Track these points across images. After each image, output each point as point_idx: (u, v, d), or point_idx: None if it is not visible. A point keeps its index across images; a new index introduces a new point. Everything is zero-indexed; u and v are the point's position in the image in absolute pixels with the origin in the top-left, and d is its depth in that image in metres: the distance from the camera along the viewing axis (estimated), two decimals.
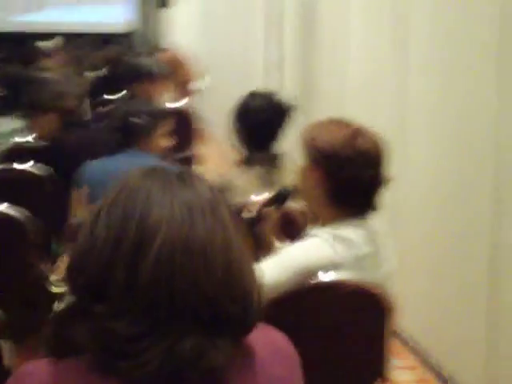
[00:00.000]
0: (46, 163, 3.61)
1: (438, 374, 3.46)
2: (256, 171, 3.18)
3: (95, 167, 3.37)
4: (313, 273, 2.11)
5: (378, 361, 2.23)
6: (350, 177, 2.18)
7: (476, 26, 3.21)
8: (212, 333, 1.09)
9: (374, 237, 2.23)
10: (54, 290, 3.18)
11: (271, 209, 2.49)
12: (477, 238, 3.12)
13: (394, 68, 4.14)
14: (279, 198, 2.48)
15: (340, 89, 4.96)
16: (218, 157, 6.34)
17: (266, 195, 2.50)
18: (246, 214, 2.46)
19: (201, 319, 1.09)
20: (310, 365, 1.52)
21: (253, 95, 3.26)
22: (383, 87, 4.24)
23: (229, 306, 1.10)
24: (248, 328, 1.16)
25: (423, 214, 3.61)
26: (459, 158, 3.30)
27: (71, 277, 1.14)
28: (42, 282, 2.84)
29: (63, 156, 3.71)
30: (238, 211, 2.50)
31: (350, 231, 2.18)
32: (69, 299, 1.70)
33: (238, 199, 3.12)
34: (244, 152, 3.22)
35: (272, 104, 3.19)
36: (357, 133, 2.22)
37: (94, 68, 6.90)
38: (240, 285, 1.12)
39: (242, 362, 1.17)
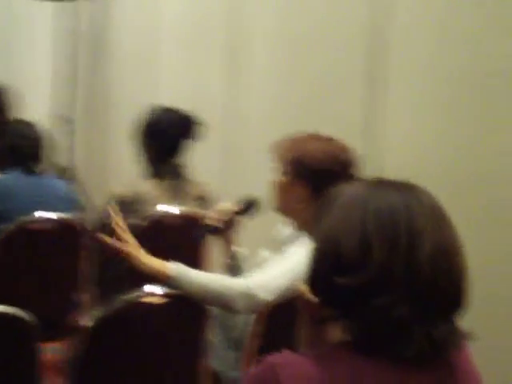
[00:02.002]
0: None
1: None
2: (165, 183, 3.28)
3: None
4: None
5: None
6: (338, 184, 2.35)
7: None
8: (450, 318, 1.31)
9: None
10: None
11: (239, 218, 2.57)
12: None
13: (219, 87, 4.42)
14: (248, 208, 2.57)
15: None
16: None
17: (229, 204, 2.57)
18: (211, 222, 2.53)
19: (447, 306, 1.30)
20: None
21: (159, 111, 3.35)
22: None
23: (463, 293, 1.32)
24: None
25: None
26: None
27: (346, 275, 1.27)
28: None
29: None
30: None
31: None
32: None
33: (150, 210, 3.21)
34: (151, 165, 3.31)
35: (180, 118, 3.30)
36: (337, 146, 2.42)
37: None
38: (467, 274, 1.34)
39: None
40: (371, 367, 1.26)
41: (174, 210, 3.20)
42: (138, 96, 5.31)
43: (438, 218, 1.32)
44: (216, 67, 4.55)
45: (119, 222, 2.25)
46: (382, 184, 1.36)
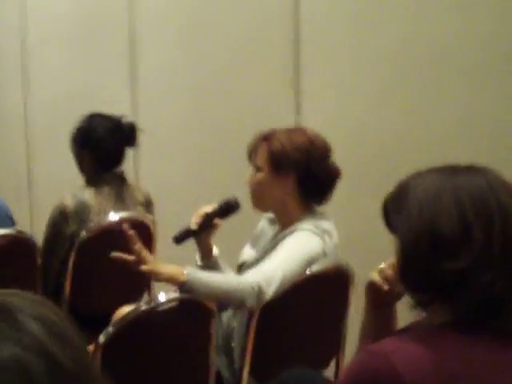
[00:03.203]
0: None
1: None
2: (107, 190, 3.23)
3: None
4: (312, 262, 2.37)
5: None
6: (320, 173, 2.45)
7: None
8: None
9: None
10: None
11: (213, 219, 2.57)
12: None
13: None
14: (227, 209, 2.56)
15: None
16: None
17: (212, 206, 2.56)
18: (192, 225, 2.53)
19: None
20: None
21: (94, 118, 3.28)
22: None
23: None
24: None
25: None
26: None
27: (450, 257, 1.33)
28: None
29: None
30: None
31: (326, 223, 2.46)
32: None
33: (94, 218, 3.16)
34: (91, 173, 3.25)
35: (118, 126, 3.25)
36: (311, 135, 2.49)
37: None
38: None
39: None
40: (478, 344, 1.32)
41: (121, 216, 3.16)
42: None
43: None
44: (111, 66, 4.49)
45: (135, 244, 2.25)
46: (457, 169, 1.42)
